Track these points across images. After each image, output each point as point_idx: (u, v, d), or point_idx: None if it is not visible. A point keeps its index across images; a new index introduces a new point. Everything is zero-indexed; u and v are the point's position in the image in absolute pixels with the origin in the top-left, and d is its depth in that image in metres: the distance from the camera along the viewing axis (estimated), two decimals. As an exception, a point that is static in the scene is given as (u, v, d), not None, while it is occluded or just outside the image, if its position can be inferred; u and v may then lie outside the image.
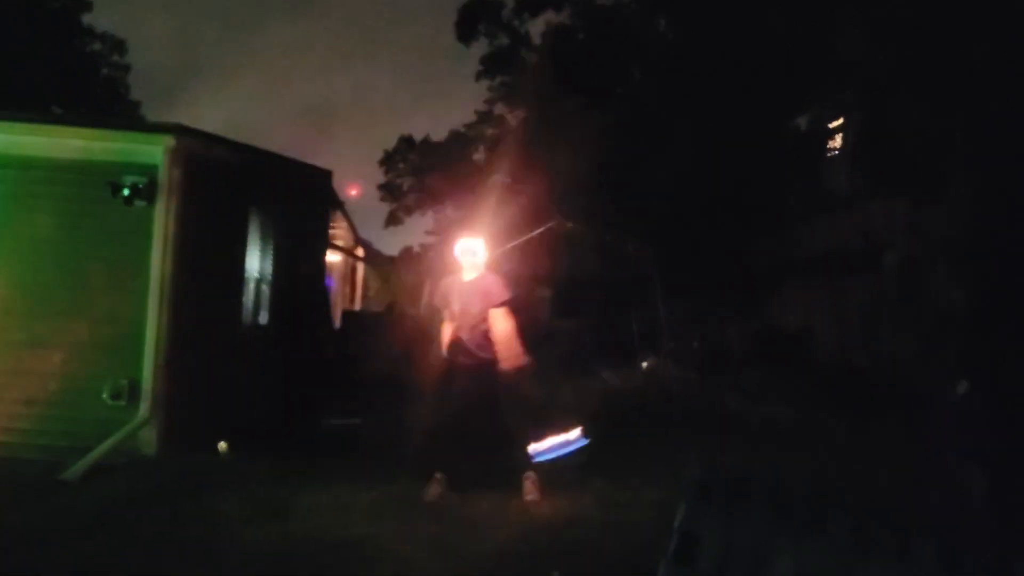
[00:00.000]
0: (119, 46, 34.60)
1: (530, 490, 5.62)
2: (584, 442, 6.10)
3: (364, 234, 22.05)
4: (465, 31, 31.30)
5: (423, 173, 37.76)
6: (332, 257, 15.02)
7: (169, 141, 6.75)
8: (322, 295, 10.80)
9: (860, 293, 12.63)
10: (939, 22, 9.63)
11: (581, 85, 25.74)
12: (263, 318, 8.80)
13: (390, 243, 38.06)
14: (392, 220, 37.94)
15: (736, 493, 2.48)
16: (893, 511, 4.62)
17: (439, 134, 37.59)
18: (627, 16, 23.34)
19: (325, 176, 10.02)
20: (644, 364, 16.43)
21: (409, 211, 37.96)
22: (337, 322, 14.81)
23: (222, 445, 6.88)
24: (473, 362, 5.76)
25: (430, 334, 6.61)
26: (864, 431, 8.72)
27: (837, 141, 15.82)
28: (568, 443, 6.09)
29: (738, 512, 2.43)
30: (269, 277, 8.86)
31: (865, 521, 2.32)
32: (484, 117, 35.55)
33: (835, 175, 15.06)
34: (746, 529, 2.39)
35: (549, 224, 15.46)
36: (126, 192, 6.63)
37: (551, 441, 6.04)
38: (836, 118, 15.48)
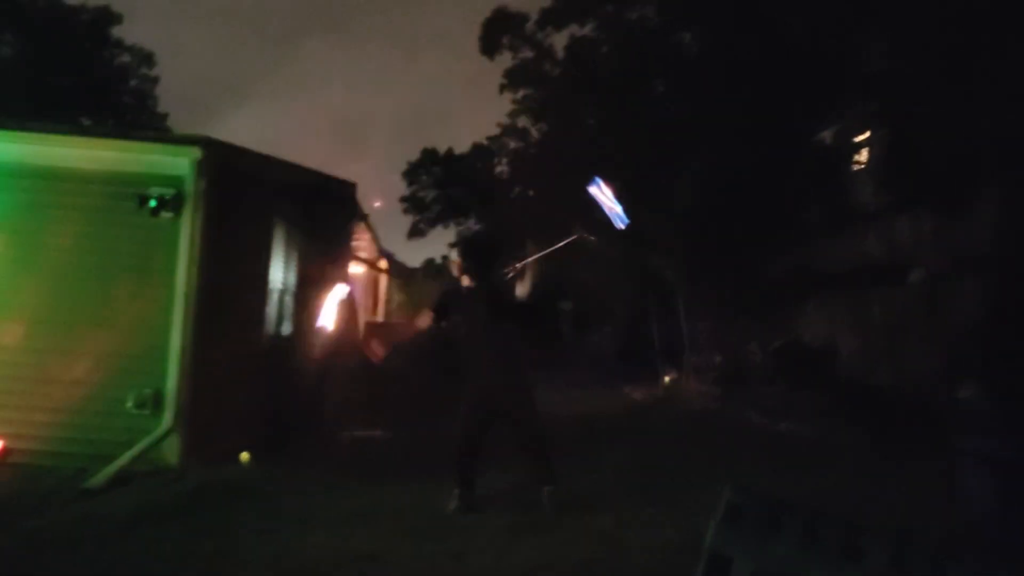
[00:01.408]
0: (148, 58, 35.07)
1: (549, 505, 5.59)
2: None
3: (387, 246, 22.15)
4: (489, 44, 31.40)
5: (446, 186, 37.92)
6: (356, 268, 15.08)
7: (196, 153, 6.80)
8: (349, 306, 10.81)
9: (885, 309, 12.51)
10: (965, 33, 9.56)
11: (604, 98, 25.76)
12: (287, 329, 8.85)
13: (413, 255, 38.20)
14: (415, 232, 38.12)
15: (768, 514, 2.44)
16: (928, 535, 4.54)
17: (462, 147, 37.73)
18: (652, 29, 23.34)
19: (349, 188, 10.08)
20: (666, 378, 16.35)
21: (432, 223, 38.10)
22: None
23: (244, 455, 6.91)
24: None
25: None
26: (890, 449, 8.62)
27: (862, 155, 15.71)
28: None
29: (770, 534, 2.38)
30: (293, 288, 8.91)
31: (901, 547, 2.27)
32: (507, 130, 35.64)
33: (860, 189, 14.95)
34: (778, 553, 2.35)
35: (571, 237, 15.43)
36: (153, 203, 6.69)
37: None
38: (861, 131, 15.38)
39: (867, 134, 15.01)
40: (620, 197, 6.46)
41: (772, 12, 14.86)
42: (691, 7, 18.06)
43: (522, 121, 34.77)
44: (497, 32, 31.28)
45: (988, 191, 10.35)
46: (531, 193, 33.99)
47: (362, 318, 16.66)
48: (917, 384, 10.73)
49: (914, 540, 2.34)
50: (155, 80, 35.49)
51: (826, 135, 16.74)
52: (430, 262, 38.45)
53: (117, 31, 33.95)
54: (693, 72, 18.60)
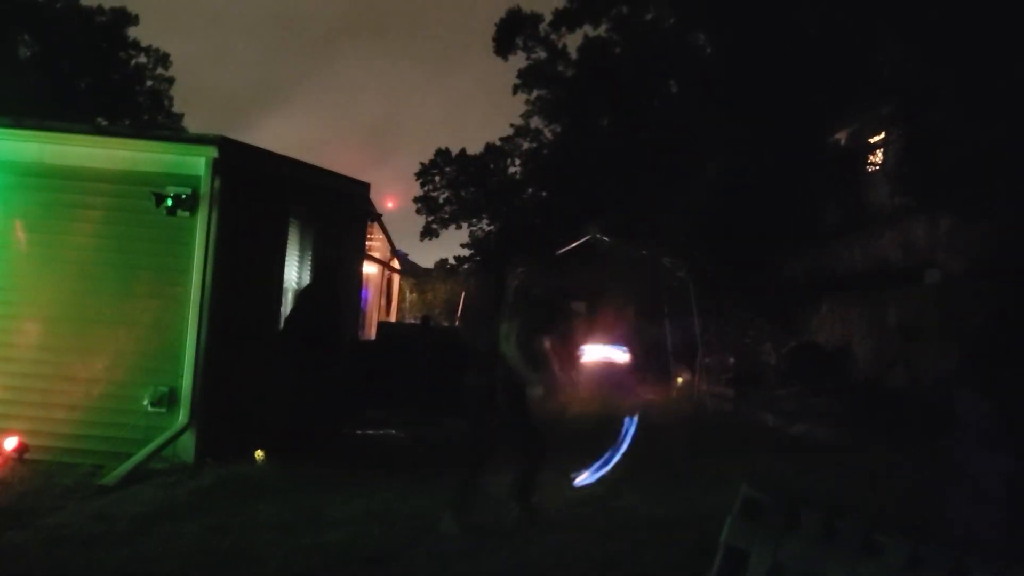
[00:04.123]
0: (163, 59, 35.29)
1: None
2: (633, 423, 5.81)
3: (400, 246, 22.21)
4: (503, 45, 31.48)
5: (459, 186, 37.92)
6: (369, 268, 15.11)
7: (211, 152, 6.83)
8: (359, 306, 10.85)
9: (900, 310, 12.44)
10: (983, 34, 9.50)
11: (618, 98, 25.72)
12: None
13: (426, 256, 38.22)
14: (428, 233, 38.13)
15: (786, 510, 2.43)
16: (945, 533, 4.52)
17: (475, 147, 37.71)
18: (665, 30, 23.31)
19: (363, 188, 10.11)
20: (679, 379, 16.30)
21: (445, 224, 38.11)
22: (373, 333, 14.90)
23: (258, 453, 6.94)
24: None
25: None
26: (906, 451, 8.56)
27: (878, 156, 15.63)
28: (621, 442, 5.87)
29: (788, 530, 2.37)
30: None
31: (920, 544, 2.25)
32: (520, 130, 35.64)
33: (876, 190, 14.88)
34: (796, 548, 2.34)
35: (585, 238, 15.45)
36: (169, 202, 6.72)
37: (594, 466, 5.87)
38: (877, 133, 15.31)
39: (883, 135, 14.94)
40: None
41: (788, 13, 14.81)
42: (706, 8, 18.01)
43: (535, 122, 34.82)
44: (511, 33, 31.34)
45: (1006, 192, 10.27)
46: (544, 194, 34.00)
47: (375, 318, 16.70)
48: (933, 386, 10.66)
49: (933, 538, 2.33)
50: (171, 81, 35.72)
51: (841, 136, 16.66)
52: (443, 263, 38.51)
53: (133, 32, 34.20)
54: (707, 73, 18.55)
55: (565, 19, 29.77)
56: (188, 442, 6.69)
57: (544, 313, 5.35)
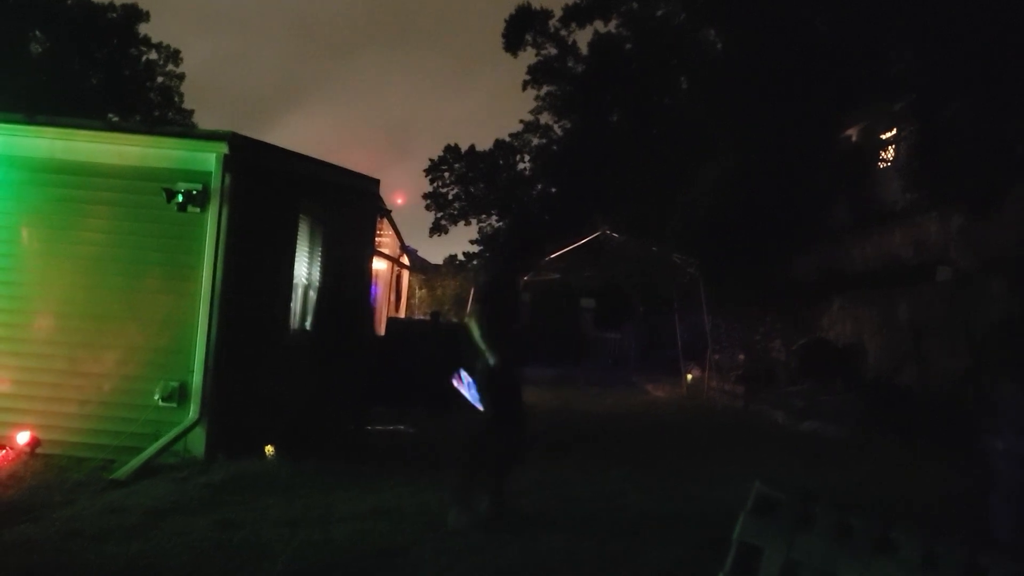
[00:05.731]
0: (174, 55, 35.40)
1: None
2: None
3: (409, 242, 22.26)
4: (513, 41, 31.46)
5: (468, 182, 37.94)
6: (378, 264, 15.14)
7: (222, 148, 6.84)
8: (368, 302, 10.86)
9: (911, 308, 12.39)
10: (996, 32, 9.44)
11: (627, 94, 25.65)
12: (310, 323, 8.90)
13: (435, 251, 38.26)
14: (437, 229, 38.17)
15: (800, 507, 2.42)
16: (960, 530, 4.50)
17: (484, 143, 37.70)
18: (676, 26, 23.26)
19: (373, 184, 10.12)
20: (688, 376, 16.29)
21: (454, 220, 38.14)
22: (382, 329, 14.92)
23: (268, 449, 6.95)
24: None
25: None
26: (918, 448, 8.54)
27: (889, 152, 15.56)
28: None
29: (801, 527, 2.36)
30: (317, 283, 8.95)
31: (935, 542, 2.24)
32: (530, 126, 35.63)
33: (887, 187, 14.81)
34: (809, 545, 2.33)
35: (594, 234, 15.43)
36: (180, 198, 6.73)
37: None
38: (888, 129, 15.24)
39: (894, 131, 14.86)
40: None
41: (799, 10, 14.75)
42: (717, 4, 17.95)
43: (545, 118, 34.81)
44: (520, 29, 31.33)
45: (1018, 189, 10.21)
46: (554, 190, 33.98)
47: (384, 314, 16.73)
48: (944, 383, 10.61)
49: (948, 536, 2.32)
50: (181, 77, 35.83)
51: (852, 133, 16.59)
52: (452, 258, 38.52)
53: (144, 29, 34.29)
54: (717, 68, 18.50)
55: (575, 15, 29.76)
56: (199, 437, 6.71)
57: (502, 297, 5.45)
